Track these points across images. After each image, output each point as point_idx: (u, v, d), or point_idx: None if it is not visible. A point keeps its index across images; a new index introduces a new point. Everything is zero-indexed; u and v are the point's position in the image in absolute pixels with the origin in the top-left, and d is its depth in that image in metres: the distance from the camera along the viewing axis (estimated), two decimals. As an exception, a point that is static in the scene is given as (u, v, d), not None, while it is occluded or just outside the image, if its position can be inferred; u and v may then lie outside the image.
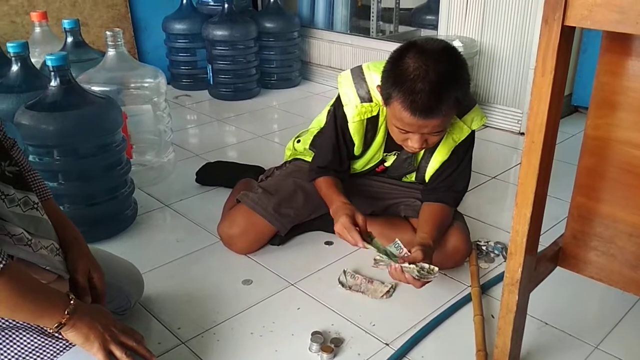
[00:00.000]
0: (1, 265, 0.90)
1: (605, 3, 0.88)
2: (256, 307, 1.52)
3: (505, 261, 1.71)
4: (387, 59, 1.44)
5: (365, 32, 3.55)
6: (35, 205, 1.09)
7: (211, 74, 3.27)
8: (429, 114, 1.35)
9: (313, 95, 3.44)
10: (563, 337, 1.42)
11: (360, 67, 1.60)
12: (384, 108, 1.51)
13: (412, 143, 1.44)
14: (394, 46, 3.08)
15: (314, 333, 1.40)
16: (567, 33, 0.95)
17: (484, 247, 1.76)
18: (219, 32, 3.13)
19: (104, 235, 1.83)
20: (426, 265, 1.39)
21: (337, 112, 1.63)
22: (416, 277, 1.38)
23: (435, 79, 1.32)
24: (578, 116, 2.90)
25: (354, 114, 1.57)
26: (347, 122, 1.59)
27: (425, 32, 3.48)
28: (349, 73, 1.60)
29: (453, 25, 2.81)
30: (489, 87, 2.79)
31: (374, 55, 3.24)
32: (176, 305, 1.53)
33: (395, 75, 1.37)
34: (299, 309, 1.52)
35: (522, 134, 2.72)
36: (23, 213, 1.05)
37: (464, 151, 1.62)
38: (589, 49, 2.67)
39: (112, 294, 1.28)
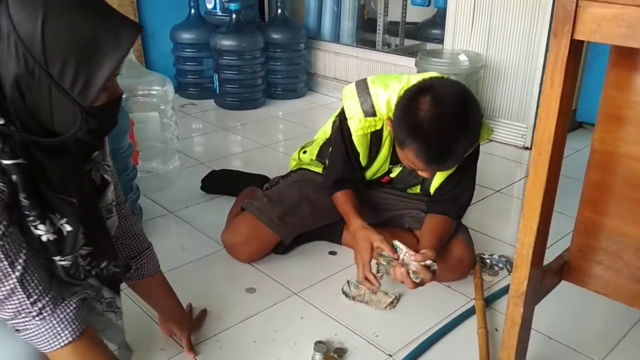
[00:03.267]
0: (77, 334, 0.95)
1: (614, 17, 0.88)
2: (259, 316, 1.52)
3: (509, 274, 1.72)
4: (400, 98, 1.43)
5: (371, 44, 3.57)
6: (117, 310, 1.12)
7: (217, 84, 3.29)
8: (442, 165, 1.42)
9: (318, 107, 3.45)
10: (567, 352, 1.41)
11: (365, 81, 1.61)
12: (388, 123, 1.53)
13: (423, 174, 1.51)
14: (399, 59, 3.17)
15: (317, 343, 1.40)
16: (576, 47, 0.96)
17: (488, 260, 1.76)
18: (226, 42, 3.16)
19: (108, 240, 1.83)
20: (429, 262, 1.44)
21: (342, 126, 1.64)
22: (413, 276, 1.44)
23: (448, 135, 1.34)
24: (582, 132, 2.90)
25: (358, 127, 1.57)
26: (351, 134, 1.60)
27: (431, 46, 3.50)
28: (353, 87, 1.61)
29: (459, 40, 2.83)
30: (494, 102, 2.80)
31: (380, 67, 3.26)
32: (179, 312, 1.53)
33: (409, 126, 1.37)
34: (302, 318, 1.52)
35: (527, 148, 2.73)
36: (102, 312, 1.09)
37: (469, 164, 1.63)
38: (595, 65, 2.66)
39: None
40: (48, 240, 0.93)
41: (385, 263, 1.47)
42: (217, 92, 3.33)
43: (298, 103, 3.50)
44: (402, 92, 1.46)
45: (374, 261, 1.51)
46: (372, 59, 3.32)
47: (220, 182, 2.22)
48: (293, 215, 1.75)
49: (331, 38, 3.62)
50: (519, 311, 1.17)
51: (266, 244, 1.75)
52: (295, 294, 1.62)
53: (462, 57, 2.70)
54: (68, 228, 0.95)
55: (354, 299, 1.59)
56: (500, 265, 1.74)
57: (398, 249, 1.47)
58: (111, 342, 1.11)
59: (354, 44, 3.56)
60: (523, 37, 2.61)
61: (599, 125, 1.15)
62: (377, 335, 1.45)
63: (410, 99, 1.39)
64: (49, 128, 0.89)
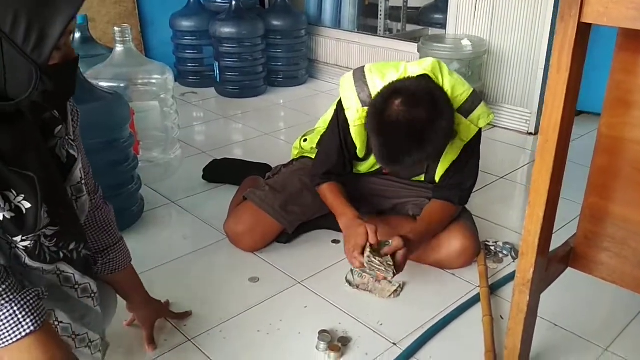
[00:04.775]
0: (39, 324, 0.88)
1: (622, 0, 0.86)
2: (263, 305, 1.51)
3: (514, 261, 1.71)
4: (373, 98, 1.45)
5: (372, 30, 3.53)
6: (92, 295, 1.06)
7: (218, 72, 3.27)
8: (395, 167, 1.49)
9: (319, 94, 3.42)
10: (572, 339, 1.40)
11: (362, 70, 1.58)
12: None
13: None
14: (402, 45, 3.14)
15: (321, 332, 1.39)
16: (583, 30, 0.94)
17: (492, 247, 1.75)
18: (226, 30, 3.13)
19: (110, 231, 1.82)
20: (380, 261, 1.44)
21: (339, 115, 1.62)
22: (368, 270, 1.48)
23: (401, 144, 1.37)
24: (585, 117, 2.88)
25: (355, 117, 1.55)
26: (348, 126, 1.58)
27: (433, 31, 3.46)
28: (350, 76, 1.59)
29: (462, 25, 2.79)
30: (497, 87, 2.77)
31: (382, 53, 3.23)
32: (183, 302, 1.52)
33: (374, 123, 1.41)
34: (306, 307, 1.51)
35: (531, 133, 2.70)
36: (78, 299, 1.03)
37: (471, 150, 1.61)
38: (594, 50, 2.60)
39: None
40: (5, 218, 0.87)
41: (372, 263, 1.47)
42: (218, 80, 3.30)
43: (299, 90, 3.47)
44: (388, 84, 1.45)
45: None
46: (373, 45, 3.28)
47: (221, 171, 2.21)
48: (296, 203, 1.74)
49: (332, 24, 3.58)
50: (524, 299, 1.15)
51: (269, 233, 1.74)
52: (299, 282, 1.61)
53: (465, 42, 2.67)
54: (27, 205, 0.88)
55: (357, 287, 1.58)
56: (504, 252, 1.73)
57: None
58: (93, 331, 1.05)
59: (356, 30, 3.53)
60: (527, 21, 2.57)
61: (605, 110, 1.13)
62: (381, 324, 1.44)
63: (382, 97, 1.41)
64: (1, 92, 0.83)
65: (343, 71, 3.44)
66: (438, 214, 1.59)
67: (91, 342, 1.04)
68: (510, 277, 1.62)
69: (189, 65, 3.41)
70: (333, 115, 1.65)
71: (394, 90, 1.39)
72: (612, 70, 1.10)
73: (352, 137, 1.59)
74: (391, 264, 1.44)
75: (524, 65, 2.65)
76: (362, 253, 1.47)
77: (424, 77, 1.45)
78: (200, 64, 3.41)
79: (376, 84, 1.52)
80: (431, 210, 1.60)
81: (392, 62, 1.75)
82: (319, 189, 1.68)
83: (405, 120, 1.34)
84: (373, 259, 1.44)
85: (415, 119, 1.34)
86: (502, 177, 2.27)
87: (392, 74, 1.51)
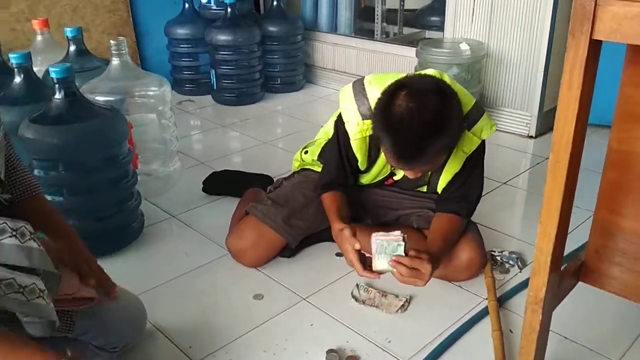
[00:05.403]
0: None
1: (636, 16, 0.84)
2: (268, 324, 1.49)
3: (520, 271, 1.69)
4: (378, 98, 1.40)
5: (369, 34, 3.51)
6: (42, 294, 0.98)
7: (214, 79, 3.24)
8: (413, 163, 1.37)
9: (317, 99, 3.40)
10: (583, 352, 1.39)
11: (361, 82, 1.56)
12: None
13: (407, 174, 1.46)
14: (399, 49, 3.12)
15: (329, 351, 1.37)
16: (595, 47, 0.92)
17: (498, 258, 1.73)
18: (222, 37, 3.10)
19: (111, 249, 1.80)
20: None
21: (339, 128, 1.60)
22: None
23: (419, 131, 1.30)
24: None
25: (356, 131, 1.53)
26: (349, 139, 1.56)
27: (430, 34, 3.45)
28: (350, 88, 1.56)
29: (459, 28, 2.77)
30: (497, 90, 2.75)
31: (380, 57, 3.20)
32: (187, 322, 1.50)
33: (383, 121, 1.35)
34: (312, 325, 1.49)
35: (532, 137, 2.69)
36: (21, 244, 0.96)
37: (475, 161, 1.59)
38: None
39: (97, 331, 1.23)
40: None
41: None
42: (215, 87, 3.27)
43: (297, 96, 3.45)
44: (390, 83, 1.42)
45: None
46: (371, 50, 3.26)
47: (221, 184, 2.18)
48: (299, 217, 1.71)
49: (328, 28, 3.56)
50: (537, 318, 1.13)
51: (272, 247, 1.72)
52: (304, 299, 1.59)
53: (464, 46, 2.65)
54: None
55: (364, 302, 1.56)
56: (511, 262, 1.71)
57: (395, 250, 1.42)
58: (39, 277, 0.99)
59: (352, 34, 3.50)
60: (525, 23, 2.55)
61: (615, 124, 1.11)
62: (389, 341, 1.42)
63: (386, 94, 1.36)
64: None
65: (340, 76, 3.43)
66: (449, 228, 1.56)
67: (42, 291, 0.98)
68: (518, 288, 1.61)
69: (185, 73, 3.38)
70: (334, 128, 1.62)
71: (398, 85, 1.35)
72: (622, 84, 1.08)
73: (352, 151, 1.56)
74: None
75: (524, 68, 2.63)
76: (363, 262, 1.44)
77: (427, 75, 1.43)
78: (196, 71, 3.38)
79: (376, 96, 1.50)
80: (441, 225, 1.57)
81: (392, 73, 1.73)
82: (321, 199, 1.66)
83: (414, 111, 1.29)
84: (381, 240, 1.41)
85: (425, 108, 1.29)
86: (504, 183, 2.25)
87: None
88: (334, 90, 3.46)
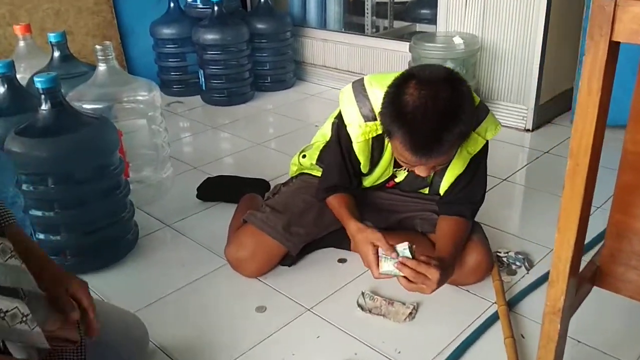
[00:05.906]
0: None
1: (659, 16, 0.80)
2: (273, 338, 1.44)
3: (528, 273, 1.66)
4: (386, 89, 1.34)
5: (359, 28, 3.45)
6: (25, 319, 0.90)
7: (203, 79, 3.17)
8: (430, 155, 1.29)
9: (309, 97, 3.34)
10: (598, 356, 1.35)
11: (362, 82, 1.51)
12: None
13: (419, 172, 1.38)
14: (391, 44, 3.06)
15: (338, 365, 1.33)
16: (614, 49, 0.87)
17: (504, 259, 1.69)
18: (210, 36, 3.02)
19: (104, 263, 1.74)
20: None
21: (340, 131, 1.54)
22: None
23: (435, 119, 1.24)
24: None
25: (358, 134, 1.48)
26: (351, 142, 1.51)
27: (421, 27, 3.40)
28: (350, 89, 1.51)
29: (452, 21, 2.73)
30: (492, 84, 2.71)
31: (371, 53, 3.15)
32: (187, 339, 1.44)
33: (394, 113, 1.28)
34: (318, 337, 1.44)
35: (528, 130, 2.65)
36: (2, 262, 0.89)
37: (478, 162, 1.55)
38: None
39: (106, 356, 1.17)
40: None
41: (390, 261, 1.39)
42: (204, 88, 3.20)
43: (288, 94, 3.38)
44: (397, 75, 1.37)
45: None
46: (362, 45, 3.20)
47: (216, 190, 2.13)
48: (299, 224, 1.66)
49: (317, 24, 3.49)
50: (555, 327, 1.10)
51: (273, 256, 1.67)
52: (309, 309, 1.54)
53: (457, 40, 2.60)
54: None
55: (370, 311, 1.51)
56: (518, 263, 1.67)
57: (403, 253, 1.39)
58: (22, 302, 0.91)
59: (342, 29, 3.44)
60: (520, 15, 2.51)
61: (631, 125, 1.07)
62: (399, 352, 1.38)
63: (395, 86, 1.31)
64: None
65: (331, 72, 3.37)
66: (457, 231, 1.52)
67: (25, 315, 0.89)
68: (527, 290, 1.57)
69: (173, 73, 3.30)
70: (334, 131, 1.57)
71: (406, 76, 1.30)
72: (638, 84, 1.04)
73: (355, 154, 1.52)
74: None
75: (519, 61, 2.59)
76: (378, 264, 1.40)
77: (433, 64, 1.38)
78: (184, 72, 3.30)
79: (377, 97, 1.45)
80: (448, 229, 1.52)
81: (392, 72, 1.68)
82: (327, 202, 1.61)
83: (428, 98, 1.23)
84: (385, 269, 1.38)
85: (438, 96, 1.24)
86: (504, 180, 2.22)
87: None
88: (326, 87, 3.41)
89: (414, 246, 1.39)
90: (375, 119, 1.46)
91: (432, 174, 1.57)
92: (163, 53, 3.26)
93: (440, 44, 2.61)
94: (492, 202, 2.04)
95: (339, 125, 1.54)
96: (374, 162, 1.56)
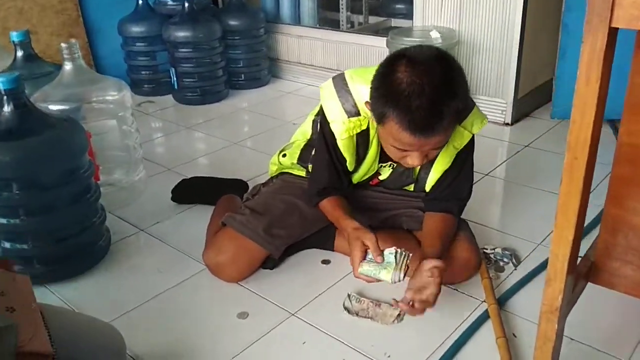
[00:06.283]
0: None
1: (661, 0, 0.76)
2: (257, 345, 1.38)
3: (515, 269, 1.62)
4: (375, 72, 1.29)
5: (334, 24, 3.39)
6: None
7: (175, 78, 3.07)
8: (430, 132, 1.23)
9: (285, 94, 3.28)
10: (592, 353, 1.32)
11: (342, 77, 1.45)
12: (366, 106, 1.40)
13: (412, 161, 1.32)
14: (368, 39, 3.02)
15: (326, 372, 1.27)
16: (613, 35, 0.83)
17: (492, 256, 1.66)
18: (181, 34, 2.94)
19: (76, 271, 1.65)
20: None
21: (323, 129, 1.49)
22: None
23: (433, 94, 1.19)
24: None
25: (342, 130, 1.42)
26: (335, 139, 1.45)
27: (396, 22, 3.36)
28: (331, 85, 1.45)
29: (429, 15, 2.69)
30: (470, 78, 2.68)
31: (346, 49, 3.10)
32: (166, 349, 1.37)
33: (387, 93, 1.23)
34: (304, 343, 1.38)
35: (507, 124, 2.63)
36: None
37: (465, 157, 1.51)
38: (568, 53, 2.47)
39: None
40: None
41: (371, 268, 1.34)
42: (176, 87, 3.11)
43: (263, 92, 3.31)
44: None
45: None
46: (337, 40, 3.15)
47: (192, 191, 2.05)
48: (280, 226, 1.60)
49: (291, 20, 3.43)
50: (552, 327, 1.06)
51: (254, 260, 1.60)
52: (293, 314, 1.48)
53: (435, 34, 2.57)
54: None
55: (357, 314, 1.46)
56: (505, 259, 1.64)
57: (388, 258, 1.34)
58: None
59: (317, 25, 3.38)
60: (497, 8, 2.48)
61: (626, 117, 1.03)
62: (389, 356, 1.33)
63: (385, 66, 1.26)
64: None
65: (307, 69, 3.31)
66: (443, 228, 1.48)
67: None
68: (516, 288, 1.54)
69: (143, 72, 3.20)
70: (318, 131, 1.51)
71: (396, 56, 1.25)
72: (632, 73, 1.00)
73: (340, 151, 1.46)
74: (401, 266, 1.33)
75: (497, 55, 2.56)
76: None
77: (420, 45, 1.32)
78: (154, 70, 3.20)
79: (360, 91, 1.40)
80: (435, 226, 1.48)
81: (374, 66, 1.63)
82: (320, 207, 1.55)
83: (423, 75, 1.18)
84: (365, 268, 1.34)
85: (434, 71, 1.19)
86: (487, 175, 2.19)
87: None
88: (302, 84, 3.34)
89: (405, 253, 1.34)
90: (358, 114, 1.41)
91: (417, 169, 1.52)
92: (132, 51, 3.15)
93: (418, 38, 2.57)
94: (475, 197, 1.99)
95: (322, 122, 1.49)
96: (359, 159, 1.51)
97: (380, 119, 1.27)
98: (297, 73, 3.36)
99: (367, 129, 1.44)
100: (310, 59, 3.29)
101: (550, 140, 2.45)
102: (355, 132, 1.43)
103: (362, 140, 1.46)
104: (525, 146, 2.42)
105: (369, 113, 1.37)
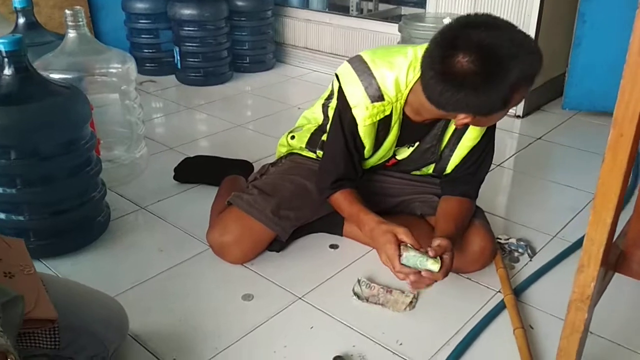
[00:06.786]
0: None
1: None
2: (262, 328, 1.32)
3: (531, 260, 1.57)
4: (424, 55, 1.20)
5: (343, 9, 3.32)
6: None
7: (178, 57, 3.00)
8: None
9: (289, 79, 3.20)
10: (611, 347, 1.27)
11: (362, 60, 1.37)
12: (398, 105, 1.34)
13: (489, 121, 1.32)
14: (378, 25, 2.94)
15: (336, 358, 1.21)
16: (671, 1, 0.77)
17: (506, 246, 1.60)
18: (187, 12, 2.86)
19: (73, 247, 1.58)
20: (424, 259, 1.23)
21: (342, 115, 1.40)
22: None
23: (524, 36, 1.16)
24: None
25: (365, 116, 1.35)
26: (356, 125, 1.38)
27: (406, 10, 3.29)
28: (350, 69, 1.38)
29: (443, 2, 2.62)
30: (481, 68, 2.62)
31: (356, 35, 3.03)
32: (168, 330, 1.31)
33: (502, 60, 1.12)
34: (312, 327, 1.32)
35: (519, 116, 2.57)
36: None
37: (492, 132, 1.46)
38: (584, 42, 2.42)
39: (82, 342, 1.02)
40: None
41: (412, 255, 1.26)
42: (179, 67, 3.03)
43: (267, 76, 3.24)
44: (417, 63, 1.25)
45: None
46: (346, 26, 3.08)
47: (195, 171, 1.98)
48: (289, 207, 1.53)
49: (300, 4, 3.36)
50: (582, 316, 1.00)
51: (260, 242, 1.54)
52: (300, 298, 1.41)
53: (447, 21, 2.49)
54: None
55: (367, 300, 1.40)
56: (520, 250, 1.58)
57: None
58: None
59: (326, 10, 3.31)
60: (513, -3, 2.42)
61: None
62: (401, 344, 1.27)
63: (456, 48, 1.12)
64: None
65: (313, 55, 3.24)
66: (460, 212, 1.42)
67: None
68: (532, 279, 1.48)
69: (145, 51, 3.12)
70: (334, 115, 1.43)
71: (448, 49, 1.14)
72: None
73: (360, 138, 1.39)
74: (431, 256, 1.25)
75: (511, 45, 2.49)
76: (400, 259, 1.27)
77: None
78: (157, 49, 3.13)
79: (385, 75, 1.33)
80: (451, 209, 1.42)
81: (393, 47, 1.56)
82: (331, 201, 1.48)
83: (503, 32, 1.13)
84: (411, 255, 1.25)
85: (507, 23, 1.15)
86: (499, 165, 2.13)
87: (401, 61, 1.33)
88: (307, 70, 3.27)
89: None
90: (382, 99, 1.34)
91: (442, 146, 1.45)
92: (135, 29, 3.08)
93: (431, 24, 2.50)
94: (486, 187, 1.94)
95: (341, 108, 1.40)
96: (378, 144, 1.44)
97: (504, 101, 1.18)
98: (304, 58, 3.29)
99: (390, 114, 1.37)
100: (318, 44, 3.22)
101: (562, 134, 2.39)
102: (378, 118, 1.36)
103: (383, 125, 1.40)
104: (537, 139, 2.36)
105: (393, 98, 1.32)
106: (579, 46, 2.43)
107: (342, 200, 1.45)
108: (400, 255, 1.24)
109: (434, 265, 1.22)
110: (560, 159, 2.21)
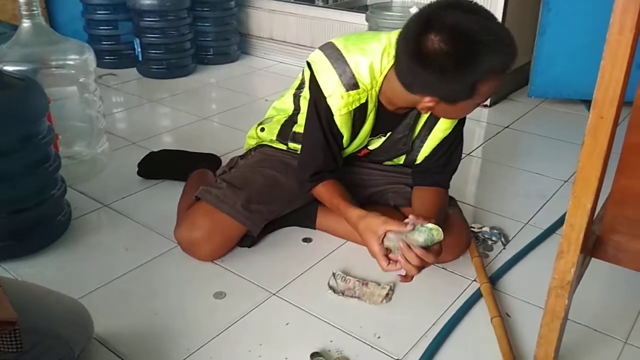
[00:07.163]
0: None
1: None
2: (236, 326, 1.27)
3: (504, 248, 1.56)
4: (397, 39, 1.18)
5: (309, 0, 3.27)
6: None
7: (139, 49, 2.90)
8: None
9: (255, 71, 3.14)
10: (589, 334, 1.27)
11: (334, 47, 1.34)
12: (373, 92, 1.31)
13: (462, 112, 1.30)
14: (345, 15, 2.90)
15: (314, 355, 1.17)
16: (650, -21, 0.76)
17: (480, 234, 1.59)
18: (147, 2, 2.77)
19: (32, 248, 1.50)
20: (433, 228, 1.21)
21: (317, 105, 1.36)
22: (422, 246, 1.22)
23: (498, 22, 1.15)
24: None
25: (341, 105, 1.32)
26: (332, 115, 1.34)
27: (372, 0, 3.25)
28: (322, 56, 1.34)
29: (408, -9, 2.60)
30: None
31: (322, 25, 2.98)
32: (137, 332, 1.25)
33: (474, 48, 1.09)
34: (287, 324, 1.28)
35: (486, 106, 2.58)
36: None
37: (462, 123, 1.44)
38: (549, 30, 2.43)
39: (47, 344, 0.97)
40: None
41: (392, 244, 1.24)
42: (140, 59, 2.94)
43: (232, 68, 3.17)
44: (394, 49, 1.22)
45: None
46: (312, 16, 3.03)
47: (160, 166, 1.91)
48: (260, 201, 1.49)
49: (264, -6, 3.29)
50: (562, 303, 0.99)
51: (231, 237, 1.49)
52: (274, 294, 1.37)
53: (414, 10, 2.48)
54: None
55: (343, 293, 1.37)
56: (494, 238, 1.58)
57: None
58: None
59: (291, 0, 3.25)
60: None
61: (643, 79, 0.97)
62: (379, 337, 1.24)
63: (429, 27, 1.10)
64: None
65: (279, 46, 3.18)
66: (437, 201, 1.40)
67: None
68: (506, 267, 1.48)
69: (104, 43, 3.02)
70: (309, 106, 1.38)
71: (422, 27, 1.11)
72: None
73: (337, 127, 1.35)
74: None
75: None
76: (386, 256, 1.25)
77: None
78: (117, 41, 3.02)
79: (359, 62, 1.30)
80: (427, 199, 1.40)
81: (366, 33, 1.54)
82: (314, 193, 1.44)
83: (478, 16, 1.11)
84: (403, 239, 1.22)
85: (479, 9, 1.12)
86: (468, 154, 2.13)
87: (375, 46, 1.30)
88: (273, 61, 3.22)
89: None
90: (357, 87, 1.30)
91: (414, 136, 1.43)
92: (93, 20, 2.97)
93: (398, 13, 2.48)
94: (458, 176, 1.93)
95: (316, 98, 1.36)
96: (355, 133, 1.41)
97: (470, 90, 1.15)
98: (269, 50, 3.23)
99: (366, 103, 1.34)
100: (284, 35, 3.16)
101: (529, 122, 2.41)
102: (354, 107, 1.33)
103: (359, 114, 1.36)
104: (505, 127, 2.37)
105: (368, 86, 1.29)
106: (544, 34, 2.45)
107: (323, 192, 1.41)
108: (388, 249, 1.24)
109: (420, 237, 1.21)
110: (528, 147, 2.22)
